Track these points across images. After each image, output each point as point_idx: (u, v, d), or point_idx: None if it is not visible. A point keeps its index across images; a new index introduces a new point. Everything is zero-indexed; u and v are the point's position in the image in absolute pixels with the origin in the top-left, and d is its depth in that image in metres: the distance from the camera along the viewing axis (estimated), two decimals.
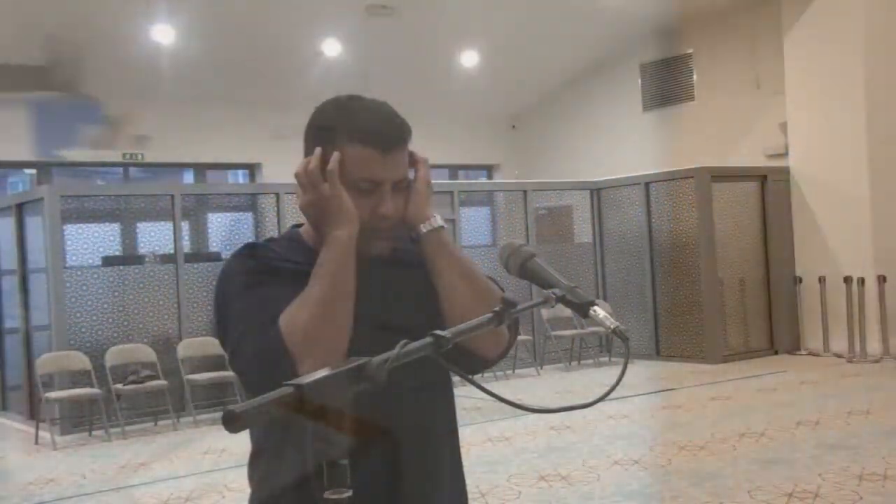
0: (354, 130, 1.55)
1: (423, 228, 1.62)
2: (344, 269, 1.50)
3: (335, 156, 1.54)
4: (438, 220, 1.63)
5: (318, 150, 1.55)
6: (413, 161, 1.64)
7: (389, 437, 1.57)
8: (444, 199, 10.27)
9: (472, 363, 1.62)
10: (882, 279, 9.93)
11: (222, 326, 1.56)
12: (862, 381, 8.85)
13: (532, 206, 11.02)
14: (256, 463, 1.64)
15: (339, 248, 1.51)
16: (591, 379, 9.78)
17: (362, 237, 1.55)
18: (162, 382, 8.08)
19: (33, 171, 11.98)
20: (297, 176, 1.56)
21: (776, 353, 10.73)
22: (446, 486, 1.67)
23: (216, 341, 8.34)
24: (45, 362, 7.88)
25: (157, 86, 11.05)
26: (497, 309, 1.35)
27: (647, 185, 10.94)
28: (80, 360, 7.97)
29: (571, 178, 12.14)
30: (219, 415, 1.91)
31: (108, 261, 8.51)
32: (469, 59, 12.77)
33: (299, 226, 1.69)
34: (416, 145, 1.68)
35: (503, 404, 1.36)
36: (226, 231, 9.39)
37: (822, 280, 10.38)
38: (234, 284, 1.56)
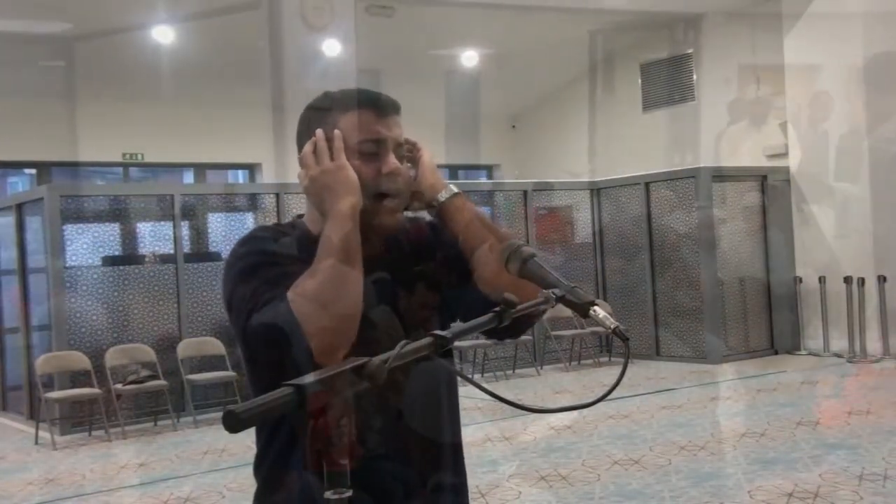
0: (348, 102, 1.61)
1: (443, 196, 1.65)
2: (349, 237, 1.49)
3: (336, 132, 1.57)
4: (453, 188, 1.66)
5: (318, 130, 1.58)
6: (411, 144, 1.68)
7: (394, 432, 1.58)
8: None
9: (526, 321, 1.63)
10: (882, 279, 9.93)
11: (231, 309, 1.55)
12: (862, 381, 8.84)
13: (532, 206, 11.02)
14: (262, 462, 1.65)
15: (343, 218, 1.51)
16: (591, 379, 9.77)
17: (370, 210, 1.57)
18: (162, 382, 8.08)
19: (33, 171, 11.98)
20: (302, 157, 1.59)
21: (776, 353, 10.72)
22: (449, 481, 1.68)
23: (216, 341, 8.47)
24: (45, 362, 7.87)
25: (158, 86, 11.04)
26: (497, 309, 1.35)
27: (647, 184, 10.93)
28: (80, 360, 7.96)
29: (571, 178, 12.14)
30: (219, 415, 1.91)
31: (108, 261, 8.50)
32: (469, 59, 12.77)
33: (303, 216, 1.70)
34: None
35: (503, 404, 1.35)
36: (226, 231, 9.39)
37: (822, 280, 10.38)
38: (243, 265, 1.56)
